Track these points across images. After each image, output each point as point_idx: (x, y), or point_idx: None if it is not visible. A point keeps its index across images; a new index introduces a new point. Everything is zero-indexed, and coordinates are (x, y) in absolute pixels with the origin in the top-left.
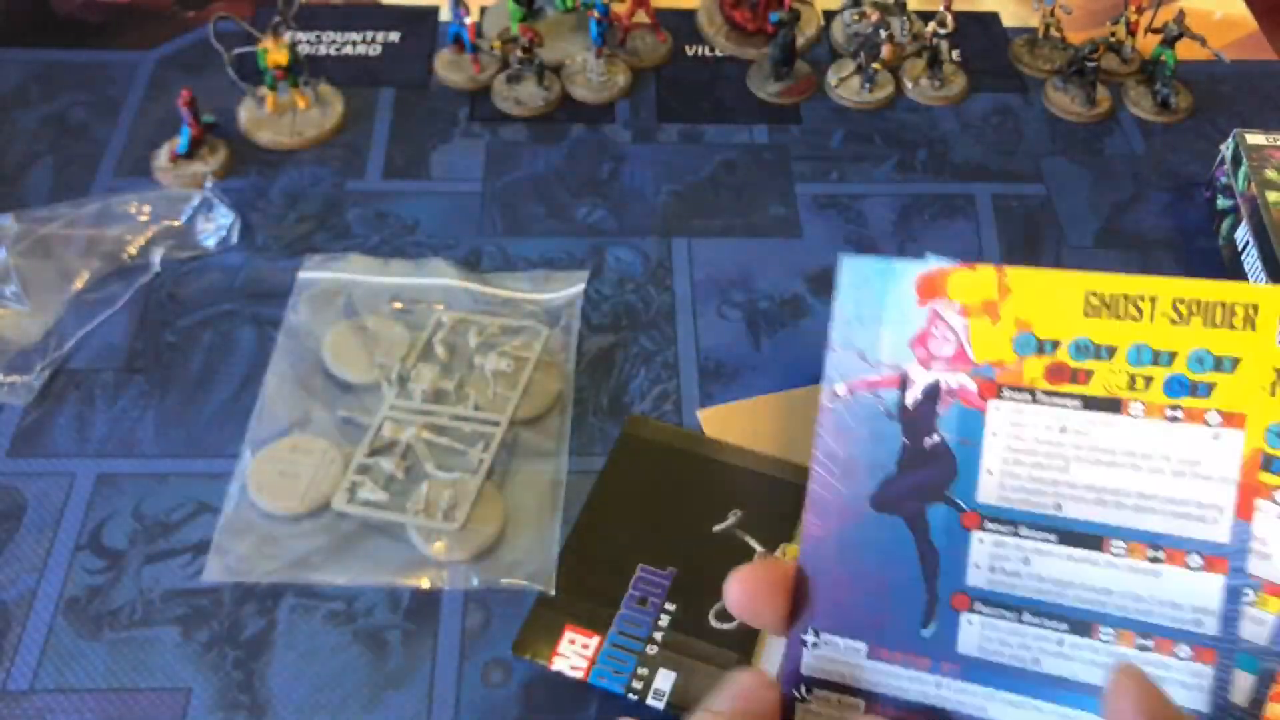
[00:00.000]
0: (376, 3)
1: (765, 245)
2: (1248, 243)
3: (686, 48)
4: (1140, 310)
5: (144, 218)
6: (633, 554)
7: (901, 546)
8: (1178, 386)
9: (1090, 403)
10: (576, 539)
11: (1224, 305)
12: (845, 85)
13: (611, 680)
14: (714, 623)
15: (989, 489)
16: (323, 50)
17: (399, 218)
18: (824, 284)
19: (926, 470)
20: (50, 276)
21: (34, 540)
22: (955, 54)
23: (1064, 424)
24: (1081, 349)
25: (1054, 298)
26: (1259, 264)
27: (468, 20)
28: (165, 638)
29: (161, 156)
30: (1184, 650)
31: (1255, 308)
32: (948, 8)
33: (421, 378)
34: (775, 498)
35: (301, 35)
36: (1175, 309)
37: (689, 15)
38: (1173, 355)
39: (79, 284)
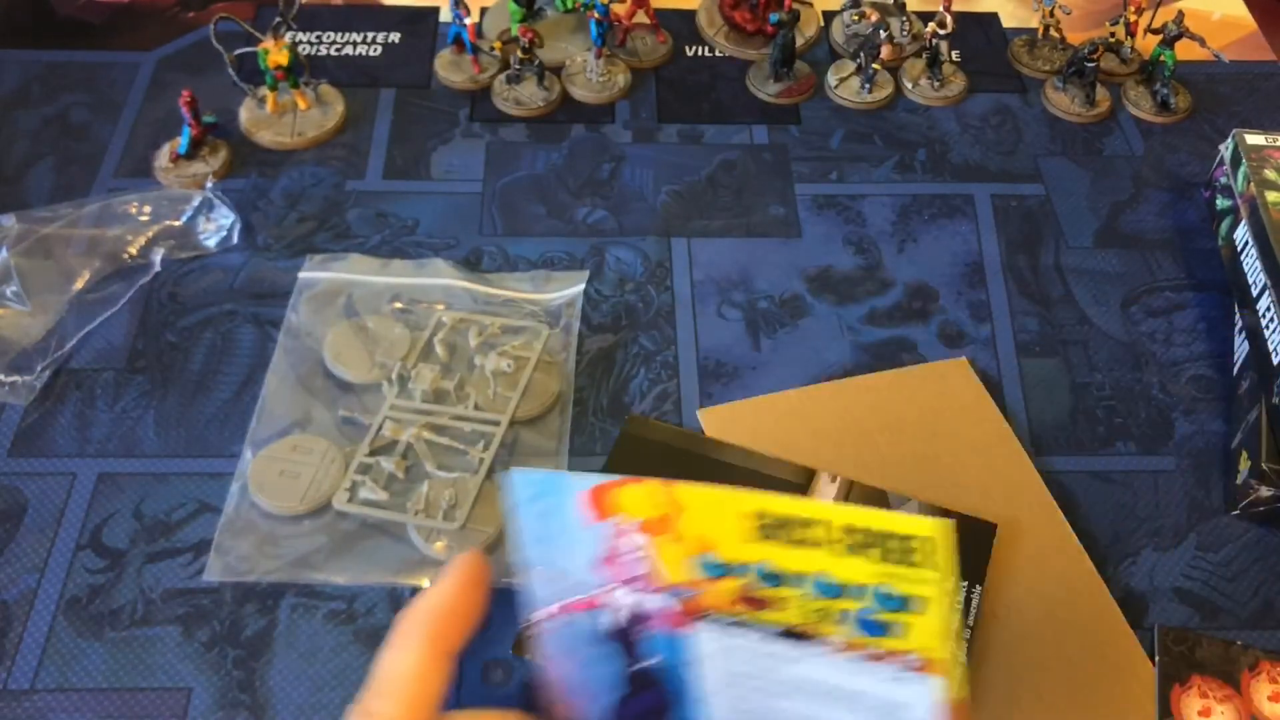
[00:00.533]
0: (377, 3)
1: (765, 245)
2: (1247, 243)
3: (686, 48)
4: (816, 537)
5: (145, 218)
6: None
7: None
8: (871, 624)
9: (789, 632)
10: None
11: (898, 538)
12: (845, 86)
13: None
14: None
15: (709, 717)
16: (323, 51)
17: (399, 218)
18: (823, 284)
19: (648, 695)
20: (51, 276)
21: (35, 540)
22: (955, 54)
23: (769, 652)
24: (768, 575)
25: (727, 518)
26: (1258, 264)
27: (468, 21)
28: (166, 637)
29: (162, 157)
30: None
31: (931, 542)
32: (947, 8)
33: (422, 378)
34: None
35: (302, 36)
36: (849, 536)
37: (689, 16)
38: (861, 589)
39: (80, 284)
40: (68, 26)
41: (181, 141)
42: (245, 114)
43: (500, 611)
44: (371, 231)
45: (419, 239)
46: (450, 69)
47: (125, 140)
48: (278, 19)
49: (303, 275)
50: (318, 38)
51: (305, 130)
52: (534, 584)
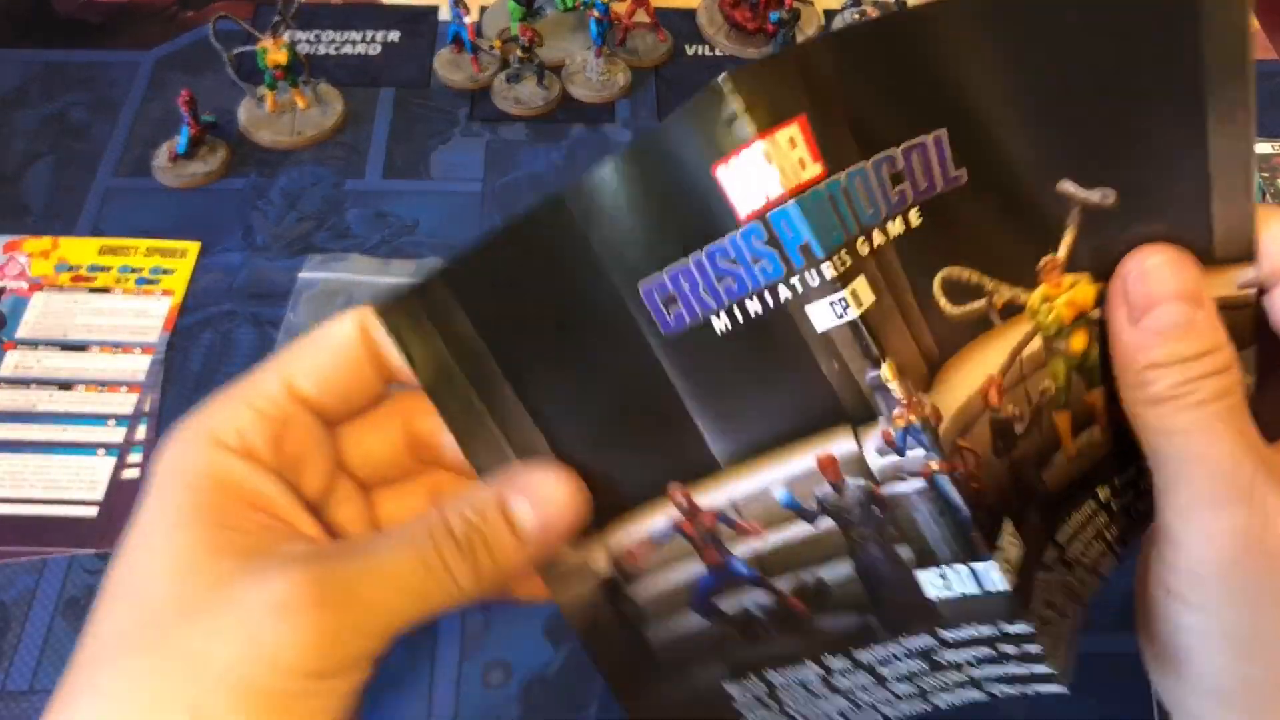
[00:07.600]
0: (376, 2)
1: None
2: None
3: (686, 47)
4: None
5: None
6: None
7: None
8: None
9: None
10: None
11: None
12: None
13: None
14: (937, 292)
15: None
16: (322, 50)
17: (399, 217)
18: None
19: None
20: None
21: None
22: None
23: None
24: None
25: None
26: None
27: (467, 20)
28: None
29: (161, 156)
30: None
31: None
32: None
33: None
34: None
35: (301, 35)
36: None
37: (689, 15)
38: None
39: None
40: (66, 26)
41: (180, 141)
42: (244, 113)
43: (500, 611)
44: (371, 231)
45: (419, 239)
46: (450, 68)
47: (124, 140)
48: (276, 18)
49: (302, 275)
50: (317, 36)
51: (304, 129)
52: None
